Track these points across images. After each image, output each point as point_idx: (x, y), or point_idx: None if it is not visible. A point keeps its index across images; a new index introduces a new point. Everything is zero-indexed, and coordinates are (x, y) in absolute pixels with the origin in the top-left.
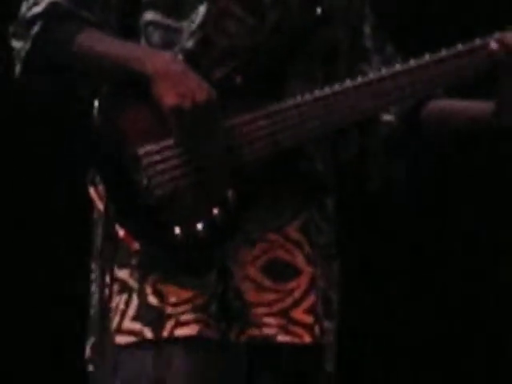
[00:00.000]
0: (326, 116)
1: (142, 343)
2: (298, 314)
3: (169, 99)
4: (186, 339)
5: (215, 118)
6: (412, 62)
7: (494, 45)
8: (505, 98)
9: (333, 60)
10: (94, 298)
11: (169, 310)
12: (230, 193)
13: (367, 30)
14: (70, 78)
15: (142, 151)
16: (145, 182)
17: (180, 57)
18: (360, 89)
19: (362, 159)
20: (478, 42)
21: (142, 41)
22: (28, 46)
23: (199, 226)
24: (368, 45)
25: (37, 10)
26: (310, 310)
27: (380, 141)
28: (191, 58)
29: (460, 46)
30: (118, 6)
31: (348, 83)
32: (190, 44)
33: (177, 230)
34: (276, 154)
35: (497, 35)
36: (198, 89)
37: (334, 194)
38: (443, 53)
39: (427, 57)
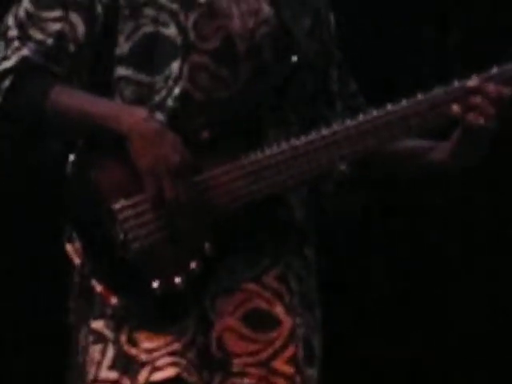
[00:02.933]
0: (301, 166)
1: None
2: (279, 364)
3: (144, 160)
4: (164, 383)
5: (189, 177)
6: (373, 112)
7: (455, 107)
8: (456, 149)
9: (303, 105)
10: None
11: (144, 357)
12: (206, 245)
13: (334, 72)
14: (42, 132)
15: (117, 206)
16: (121, 236)
17: (158, 114)
18: (332, 138)
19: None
20: (440, 95)
21: (116, 96)
22: None
23: (177, 279)
24: (334, 89)
25: (7, 64)
26: (291, 361)
27: (332, 183)
28: (172, 116)
29: (420, 96)
30: (89, 60)
31: (320, 133)
32: (170, 102)
33: (155, 284)
34: (252, 204)
35: (457, 84)
36: (171, 151)
37: (314, 240)
38: (404, 102)
39: (388, 106)
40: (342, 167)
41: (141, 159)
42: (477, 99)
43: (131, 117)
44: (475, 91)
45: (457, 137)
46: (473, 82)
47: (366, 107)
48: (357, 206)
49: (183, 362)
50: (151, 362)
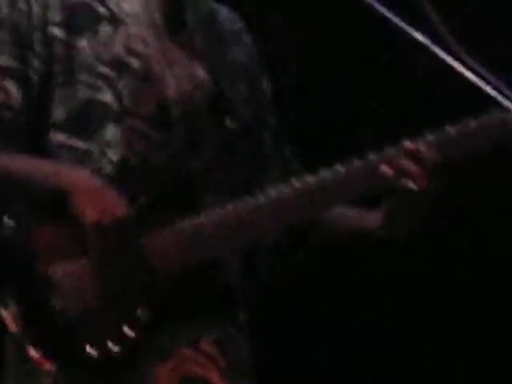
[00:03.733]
0: (234, 233)
1: None
2: None
3: (89, 214)
4: None
5: (131, 235)
6: (309, 178)
7: (384, 168)
8: (389, 215)
9: (237, 169)
10: None
11: None
12: (140, 311)
13: (267, 136)
14: None
15: (53, 271)
16: (57, 302)
17: (97, 178)
18: (273, 202)
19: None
20: (369, 162)
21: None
22: None
23: (111, 344)
24: (267, 153)
25: None
26: None
27: (266, 248)
28: (109, 182)
29: (355, 162)
30: (25, 127)
31: (255, 199)
32: (108, 168)
33: (89, 349)
34: (188, 269)
35: (390, 151)
36: (116, 205)
37: (247, 306)
38: (338, 168)
39: (323, 173)
40: (277, 234)
41: (85, 214)
42: (407, 161)
43: (75, 173)
44: (406, 153)
45: (389, 203)
46: (405, 143)
47: (301, 172)
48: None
49: None
50: None
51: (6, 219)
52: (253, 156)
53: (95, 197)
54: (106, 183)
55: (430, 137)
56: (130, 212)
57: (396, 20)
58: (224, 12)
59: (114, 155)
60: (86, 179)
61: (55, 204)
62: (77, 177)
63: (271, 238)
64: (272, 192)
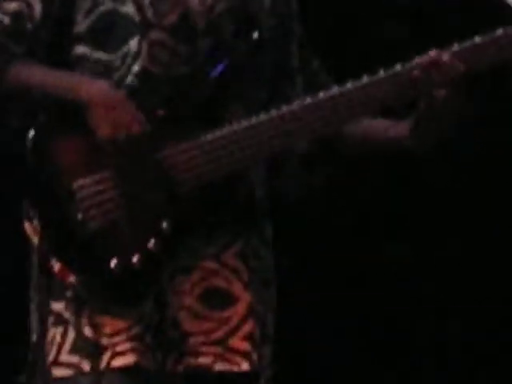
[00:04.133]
0: (260, 144)
1: (79, 375)
2: (236, 342)
3: (103, 129)
4: (123, 369)
5: (148, 150)
6: (335, 89)
7: (416, 72)
8: (415, 126)
9: (263, 81)
10: (33, 328)
11: (105, 341)
12: (164, 223)
13: (294, 48)
14: (4, 108)
15: (76, 184)
16: (79, 215)
17: (120, 89)
18: (295, 114)
19: (277, 177)
20: (399, 68)
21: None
22: None
23: (135, 258)
24: (294, 64)
25: None
26: (248, 338)
27: (295, 161)
28: (132, 92)
29: (382, 73)
30: (47, 40)
31: (280, 111)
32: (129, 79)
33: (113, 263)
34: (212, 182)
35: (417, 60)
36: (132, 120)
37: (271, 218)
38: (365, 79)
39: (349, 84)
40: (303, 145)
41: (100, 128)
42: (433, 71)
43: (93, 86)
44: (432, 62)
45: (416, 114)
46: (431, 53)
47: (329, 84)
48: (319, 186)
49: (142, 347)
50: (112, 346)
51: (30, 133)
52: (279, 68)
53: (111, 111)
54: (124, 97)
55: (456, 46)
56: (146, 127)
57: None
58: None
59: (136, 66)
60: (103, 92)
61: (76, 116)
62: (95, 89)
63: (298, 151)
64: (296, 104)
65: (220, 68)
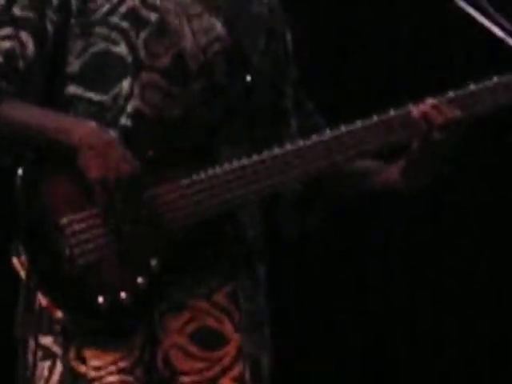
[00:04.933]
0: (251, 184)
1: None
2: (226, 382)
3: (93, 171)
4: None
5: (138, 189)
6: (327, 133)
7: (411, 118)
8: (408, 167)
9: (257, 123)
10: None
11: (92, 373)
12: (153, 261)
13: (288, 90)
14: None
15: (65, 220)
16: (67, 251)
17: (112, 131)
18: (287, 156)
19: (271, 218)
20: (397, 112)
21: (71, 113)
22: None
23: (123, 294)
24: (288, 106)
25: None
26: (238, 378)
27: (288, 202)
28: (124, 133)
29: (376, 118)
30: (39, 79)
31: (272, 152)
32: (123, 120)
33: (100, 299)
34: (202, 222)
35: (411, 107)
36: (121, 161)
37: (265, 259)
38: (358, 124)
39: (342, 128)
40: (295, 186)
41: (90, 170)
42: (432, 119)
43: (82, 129)
44: (432, 109)
45: (407, 158)
46: (428, 101)
47: (322, 126)
48: (313, 226)
49: (130, 379)
50: (99, 379)
51: (19, 171)
52: (272, 110)
53: (100, 152)
54: (114, 138)
55: (452, 94)
56: (136, 168)
57: None
58: None
59: (129, 107)
60: (92, 134)
61: (65, 155)
62: (84, 131)
63: (291, 193)
64: (289, 146)
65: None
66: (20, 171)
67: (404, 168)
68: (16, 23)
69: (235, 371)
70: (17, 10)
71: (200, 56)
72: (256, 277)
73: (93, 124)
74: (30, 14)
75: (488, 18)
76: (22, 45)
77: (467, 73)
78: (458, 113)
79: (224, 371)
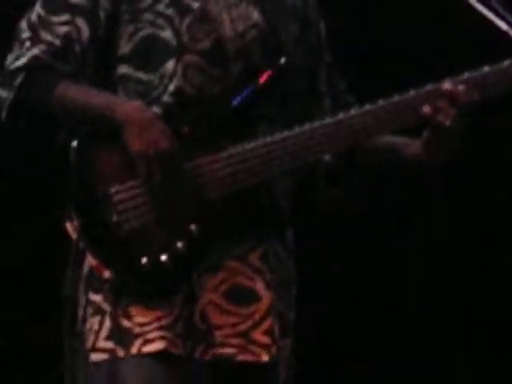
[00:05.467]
0: (285, 157)
1: (113, 360)
2: (257, 335)
3: (135, 146)
4: (153, 354)
5: (177, 163)
6: (353, 111)
7: (426, 109)
8: (426, 146)
9: (291, 103)
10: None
11: (137, 329)
12: (193, 227)
13: (322, 73)
14: (49, 122)
15: (112, 190)
16: (114, 218)
17: (155, 108)
18: (315, 131)
19: (308, 190)
20: (413, 97)
21: (119, 92)
22: (12, 95)
23: (163, 257)
24: (322, 88)
25: (20, 62)
26: (268, 332)
27: (321, 175)
28: (166, 110)
29: (396, 97)
30: (93, 60)
31: (305, 127)
32: (165, 97)
33: (144, 260)
34: (239, 191)
35: (430, 86)
36: (161, 136)
37: (293, 226)
38: (380, 103)
39: (367, 106)
40: (327, 158)
41: (133, 144)
42: (444, 102)
43: (126, 107)
44: (446, 94)
45: (426, 136)
46: (446, 85)
47: (353, 104)
48: (344, 198)
49: (171, 335)
50: (143, 334)
51: (73, 144)
52: (307, 92)
53: (142, 129)
54: (154, 116)
55: (467, 75)
56: (173, 142)
57: None
58: None
59: (171, 86)
60: (136, 112)
61: (112, 132)
62: (128, 109)
63: (323, 164)
64: (317, 123)
65: (245, 94)
66: (73, 144)
67: (425, 143)
68: (72, 10)
69: (265, 325)
70: None
71: (238, 41)
72: (285, 241)
73: (136, 103)
74: (84, 2)
75: (493, 11)
76: (78, 30)
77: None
78: (476, 94)
79: (255, 325)
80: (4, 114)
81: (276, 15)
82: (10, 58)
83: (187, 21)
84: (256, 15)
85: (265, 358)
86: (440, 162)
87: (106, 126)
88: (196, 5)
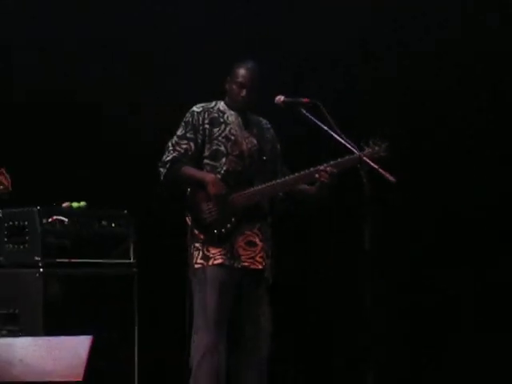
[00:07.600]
0: (268, 192)
1: (203, 268)
2: (258, 258)
3: (211, 190)
4: (218, 265)
5: (226, 194)
6: (286, 178)
7: (317, 175)
8: (318, 189)
9: (267, 174)
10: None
11: (211, 255)
12: (232, 219)
13: (278, 163)
14: (179, 183)
15: (204, 206)
16: (204, 216)
17: (218, 176)
18: (274, 184)
19: (273, 204)
20: (310, 170)
21: (204, 169)
22: (164, 173)
23: (223, 230)
24: (278, 168)
25: (167, 158)
26: (262, 257)
27: (277, 199)
28: (223, 177)
29: (302, 172)
30: (196, 157)
31: (272, 182)
32: (222, 173)
33: (215, 231)
34: (251, 205)
35: (318, 167)
36: (220, 186)
37: (271, 217)
38: (294, 175)
39: (290, 176)
40: (280, 194)
41: (209, 190)
42: (324, 173)
43: (208, 176)
44: (325, 170)
45: (318, 185)
46: (325, 167)
47: (287, 174)
48: (288, 211)
49: (225, 258)
50: (214, 257)
51: (188, 192)
52: (273, 169)
53: (213, 185)
54: (218, 179)
55: (332, 162)
56: (223, 190)
57: None
58: (263, 120)
59: (222, 169)
60: (211, 179)
61: (202, 186)
62: (208, 178)
63: (279, 195)
64: (274, 182)
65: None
66: (188, 192)
67: (318, 188)
68: (188, 138)
69: (260, 254)
70: (187, 133)
71: (248, 151)
72: (267, 223)
73: (212, 174)
74: (192, 135)
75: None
76: (190, 146)
77: None
78: (335, 171)
79: (256, 255)
80: (161, 182)
81: (262, 141)
82: (163, 156)
83: (229, 144)
84: (255, 141)
85: (261, 266)
86: (324, 195)
87: (200, 184)
88: (233, 138)
